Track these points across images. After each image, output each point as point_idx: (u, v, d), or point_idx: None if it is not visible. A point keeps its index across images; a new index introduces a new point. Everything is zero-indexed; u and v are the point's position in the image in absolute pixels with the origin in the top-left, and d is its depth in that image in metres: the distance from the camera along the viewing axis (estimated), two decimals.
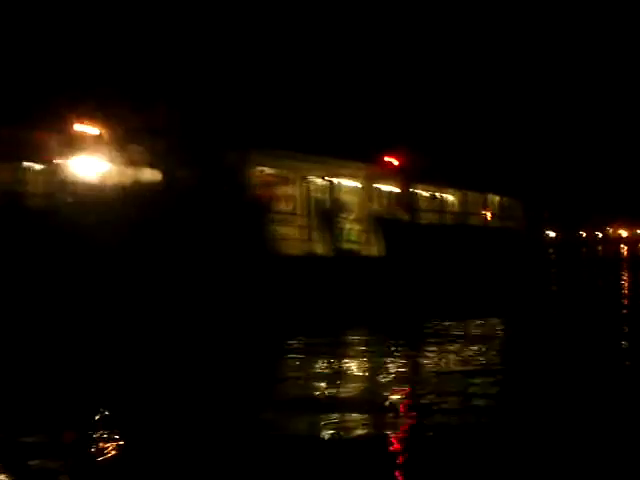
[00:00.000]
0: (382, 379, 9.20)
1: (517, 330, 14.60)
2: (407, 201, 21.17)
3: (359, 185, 19.97)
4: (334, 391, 8.35)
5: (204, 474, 5.51)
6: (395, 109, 21.19)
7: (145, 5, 15.58)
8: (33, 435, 6.40)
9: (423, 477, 5.43)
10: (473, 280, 20.94)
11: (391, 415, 7.17)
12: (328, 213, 18.48)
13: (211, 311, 12.92)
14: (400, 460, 5.74)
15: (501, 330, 14.67)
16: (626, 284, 27.39)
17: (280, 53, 18.50)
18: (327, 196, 19.14)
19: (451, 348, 11.44)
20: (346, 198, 19.79)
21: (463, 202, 24.83)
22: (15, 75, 13.47)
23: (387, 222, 19.69)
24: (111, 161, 14.22)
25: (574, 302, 20.51)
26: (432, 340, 12.34)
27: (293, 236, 17.42)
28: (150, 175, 14.50)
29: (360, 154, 19.06)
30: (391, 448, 6.06)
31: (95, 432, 6.51)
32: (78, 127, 13.82)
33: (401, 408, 7.60)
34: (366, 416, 7.08)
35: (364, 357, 11.00)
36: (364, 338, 12.81)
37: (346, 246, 18.76)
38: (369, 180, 20.04)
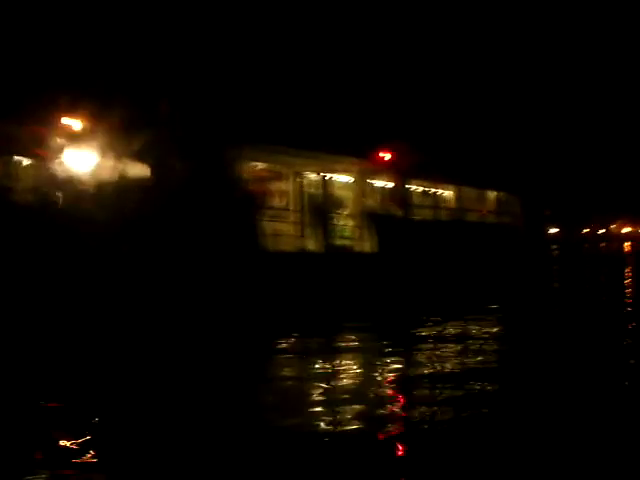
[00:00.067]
0: (375, 377, 9.09)
1: (513, 327, 14.47)
2: (401, 197, 21.04)
3: (352, 180, 19.85)
4: (326, 390, 8.22)
5: (197, 471, 5.47)
6: (389, 104, 21.06)
7: None
8: (31, 435, 6.39)
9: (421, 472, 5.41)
10: (469, 277, 20.86)
11: (385, 412, 7.12)
12: (321, 209, 18.37)
13: (202, 308, 12.83)
14: (396, 455, 5.74)
15: (497, 328, 14.45)
16: (629, 281, 27.21)
17: (273, 48, 18.39)
18: (320, 192, 19.03)
19: (446, 346, 11.30)
20: (339, 194, 19.69)
21: (458, 198, 24.71)
22: (2, 69, 13.37)
23: (380, 218, 19.59)
24: (100, 156, 14.10)
25: (576, 299, 20.34)
26: (426, 338, 12.21)
27: (285, 232, 17.33)
28: (140, 170, 14.40)
29: (354, 149, 18.95)
30: (386, 445, 6.01)
31: (83, 431, 6.45)
32: (66, 121, 13.71)
33: (394, 406, 7.53)
34: (358, 414, 6.99)
35: (356, 356, 10.89)
36: (356, 336, 12.69)
37: (339, 242, 18.67)
38: (363, 175, 19.93)
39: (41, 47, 13.88)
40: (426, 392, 8.08)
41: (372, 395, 7.96)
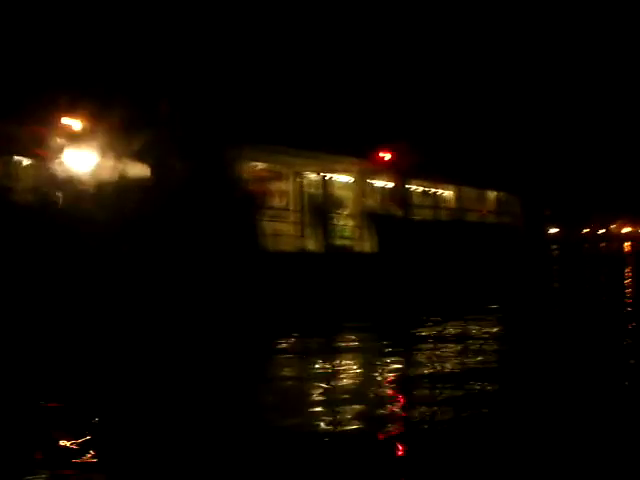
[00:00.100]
0: (375, 377, 9.08)
1: (513, 327, 14.44)
2: (401, 197, 21.02)
3: (352, 180, 19.84)
4: (326, 390, 8.21)
5: (197, 471, 5.47)
6: (389, 104, 21.04)
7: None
8: (31, 435, 6.39)
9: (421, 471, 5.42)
10: (469, 277, 20.85)
11: (385, 412, 7.12)
12: (321, 209, 18.35)
13: (202, 308, 12.82)
14: (396, 455, 5.75)
15: (497, 328, 14.41)
16: (629, 281, 27.17)
17: (273, 49, 18.37)
18: (320, 192, 19.01)
19: (446, 346, 11.28)
20: (339, 194, 19.68)
21: (458, 198, 24.70)
22: (2, 69, 13.36)
23: (380, 218, 19.57)
24: (100, 156, 14.10)
25: (576, 299, 20.29)
26: (426, 338, 12.19)
27: (286, 232, 17.32)
28: (140, 170, 14.39)
29: (354, 149, 18.93)
30: (386, 445, 6.01)
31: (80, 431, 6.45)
32: (66, 120, 13.70)
33: (394, 406, 7.53)
34: (358, 414, 6.99)
35: (356, 356, 10.88)
36: (356, 336, 12.68)
37: (339, 242, 18.65)
38: (363, 175, 19.91)
39: (41, 47, 13.87)
40: (426, 392, 8.07)
41: (372, 395, 7.95)
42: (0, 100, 13.00)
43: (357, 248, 18.90)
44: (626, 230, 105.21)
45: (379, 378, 9.06)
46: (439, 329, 13.26)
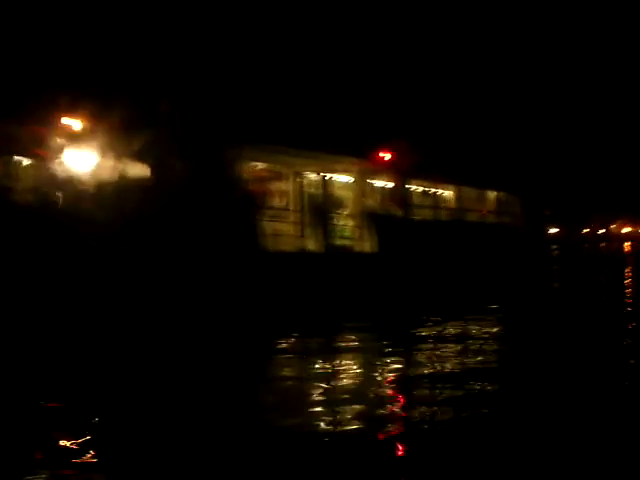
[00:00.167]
0: (375, 377, 9.07)
1: (513, 327, 14.41)
2: (401, 197, 21.00)
3: (352, 180, 19.82)
4: (326, 390, 8.20)
5: (196, 471, 5.47)
6: (389, 104, 21.03)
7: None
8: (31, 435, 6.40)
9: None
10: (469, 277, 20.84)
11: (385, 412, 7.12)
12: (321, 209, 18.33)
13: (202, 307, 12.81)
14: (396, 455, 5.74)
15: (497, 328, 14.37)
16: (629, 281, 27.12)
17: (273, 49, 18.36)
18: (320, 192, 19.00)
19: (446, 346, 11.26)
20: (339, 194, 19.67)
21: (458, 198, 24.68)
22: (2, 69, 13.35)
23: (380, 218, 19.56)
24: (100, 156, 14.09)
25: (576, 299, 20.25)
26: (426, 338, 12.17)
27: (286, 232, 17.30)
28: (140, 170, 14.38)
29: (354, 149, 18.91)
30: (386, 445, 6.02)
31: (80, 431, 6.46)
32: (66, 120, 13.69)
33: (394, 406, 7.52)
34: (358, 414, 6.99)
35: (356, 356, 10.87)
36: (356, 336, 12.68)
37: (339, 242, 18.64)
38: (363, 175, 19.90)
39: (41, 47, 13.87)
40: (426, 392, 8.05)
41: (372, 395, 7.94)
42: (0, 100, 13.00)
43: (357, 248, 18.88)
44: (626, 230, 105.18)
45: (379, 378, 9.05)
46: (439, 329, 13.24)
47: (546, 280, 29.22)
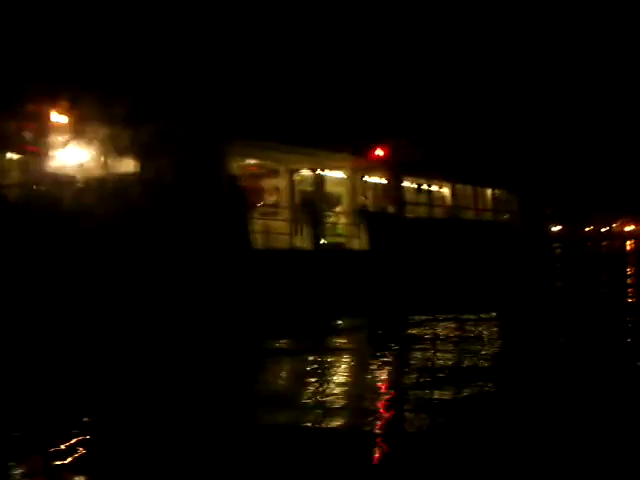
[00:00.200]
0: (366, 377, 9.07)
1: (507, 326, 14.22)
2: (395, 194, 20.90)
3: (346, 177, 19.73)
4: (316, 390, 8.14)
5: (192, 470, 5.47)
6: (384, 100, 20.94)
7: None
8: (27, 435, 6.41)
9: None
10: (463, 275, 20.74)
11: (377, 413, 7.10)
12: (314, 206, 18.23)
13: (193, 306, 12.75)
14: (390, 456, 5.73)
15: (491, 326, 14.09)
16: (631, 280, 26.90)
17: (267, 44, 18.31)
18: (313, 188, 18.93)
19: (438, 346, 11.15)
20: (333, 190, 19.59)
21: (454, 195, 24.56)
22: None
23: (372, 215, 19.47)
24: (90, 152, 14.09)
25: (578, 298, 20.00)
26: (419, 338, 12.03)
27: (278, 229, 17.22)
28: (130, 166, 14.34)
29: (347, 146, 18.78)
30: (381, 446, 5.99)
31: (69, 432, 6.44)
32: (56, 117, 13.67)
33: (386, 406, 7.46)
34: (349, 415, 6.99)
35: (347, 356, 10.81)
36: (347, 335, 12.67)
37: (330, 239, 18.57)
38: (356, 172, 19.79)
39: (32, 43, 13.84)
40: (418, 392, 7.91)
41: (363, 395, 7.87)
42: None
43: (349, 245, 18.81)
44: (629, 228, 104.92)
45: (370, 377, 9.04)
46: (432, 328, 13.09)
47: (547, 278, 29.03)
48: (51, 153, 13.69)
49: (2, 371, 9.15)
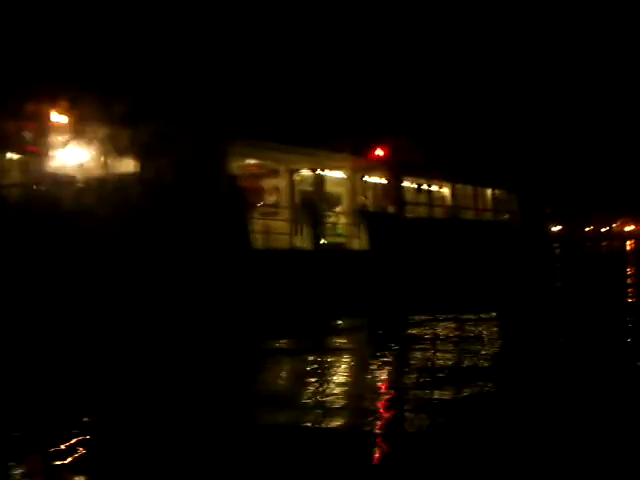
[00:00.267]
0: (367, 377, 9.04)
1: (507, 327, 14.16)
2: (395, 194, 20.91)
3: (346, 177, 19.73)
4: (316, 390, 8.12)
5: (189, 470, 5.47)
6: (384, 100, 20.94)
7: None
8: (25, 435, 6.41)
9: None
10: (463, 275, 20.74)
11: (377, 413, 7.09)
12: (314, 206, 18.23)
13: (193, 306, 12.73)
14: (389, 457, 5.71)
15: (491, 327, 14.01)
16: (631, 280, 26.83)
17: (268, 44, 18.31)
18: (313, 188, 18.93)
19: (437, 346, 11.12)
20: (333, 190, 19.59)
21: (454, 195, 24.56)
22: None
23: (372, 215, 19.48)
24: (89, 152, 14.08)
25: (577, 298, 19.92)
26: (419, 338, 12.00)
27: (277, 229, 17.22)
28: (128, 166, 14.34)
29: (348, 146, 18.78)
30: (380, 447, 5.98)
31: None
32: (56, 116, 13.66)
33: (386, 406, 7.44)
34: (348, 415, 6.97)
35: (347, 356, 10.79)
36: (347, 335, 12.65)
37: (330, 239, 18.57)
38: (356, 172, 19.80)
39: (33, 42, 13.83)
40: (418, 392, 7.89)
41: (363, 395, 7.85)
42: None
43: (349, 245, 18.81)
44: (629, 228, 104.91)
45: (370, 377, 9.02)
46: (431, 328, 13.07)
47: (547, 278, 28.99)
48: (51, 153, 13.68)
49: (2, 371, 9.15)
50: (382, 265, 18.08)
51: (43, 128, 13.46)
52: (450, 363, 9.69)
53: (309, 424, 6.63)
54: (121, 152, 14.11)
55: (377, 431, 6.42)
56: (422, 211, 22.47)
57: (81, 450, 5.98)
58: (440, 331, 12.86)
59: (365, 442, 6.00)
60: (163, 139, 14.46)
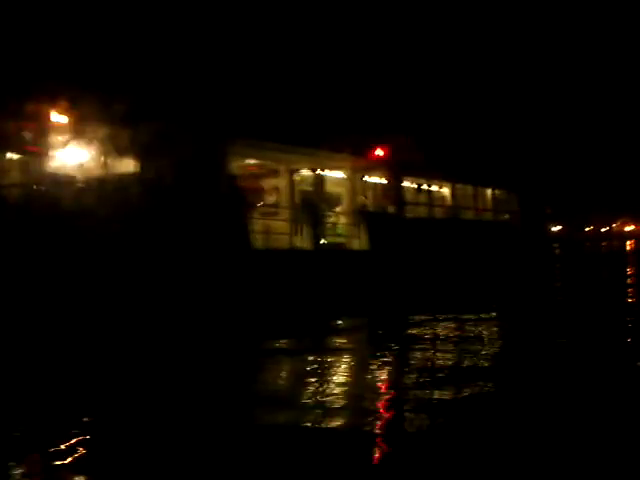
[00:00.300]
0: (366, 377, 9.02)
1: (506, 327, 14.11)
2: (395, 194, 20.89)
3: (346, 177, 19.72)
4: (316, 390, 8.11)
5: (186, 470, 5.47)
6: (384, 100, 20.94)
7: None
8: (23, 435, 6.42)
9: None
10: (463, 275, 20.72)
11: (377, 413, 7.09)
12: (314, 206, 18.22)
13: (192, 306, 12.73)
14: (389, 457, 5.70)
15: (491, 327, 13.95)
16: (631, 280, 26.77)
17: (267, 43, 18.31)
18: (313, 188, 18.91)
19: (437, 347, 11.09)
20: (333, 190, 19.57)
21: (454, 195, 24.54)
22: None
23: (372, 215, 19.46)
24: (89, 152, 14.07)
25: (577, 298, 19.86)
26: (418, 338, 11.97)
27: (277, 229, 17.20)
28: (128, 166, 14.33)
29: (348, 146, 18.79)
30: (380, 447, 5.98)
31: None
32: (56, 116, 13.65)
33: (386, 406, 7.44)
34: (348, 415, 6.97)
35: (347, 356, 10.76)
36: (347, 336, 12.62)
37: (331, 239, 18.56)
38: (356, 172, 19.77)
39: (33, 43, 13.83)
40: (418, 392, 7.88)
41: (363, 395, 7.84)
42: None
43: (349, 245, 18.80)
44: (629, 228, 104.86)
45: (370, 377, 9.01)
46: (431, 328, 13.05)
47: (547, 279, 28.95)
48: (51, 153, 13.67)
49: (2, 371, 9.15)
50: (382, 265, 18.06)
51: (43, 128, 13.45)
52: (450, 363, 9.67)
53: (309, 424, 6.63)
54: (121, 152, 14.09)
55: (377, 431, 6.42)
56: (422, 211, 22.44)
57: (81, 450, 5.98)
58: (440, 331, 12.84)
59: (365, 442, 6.00)
60: (163, 139, 14.44)
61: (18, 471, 5.51)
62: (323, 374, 9.17)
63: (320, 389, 8.14)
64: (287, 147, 17.18)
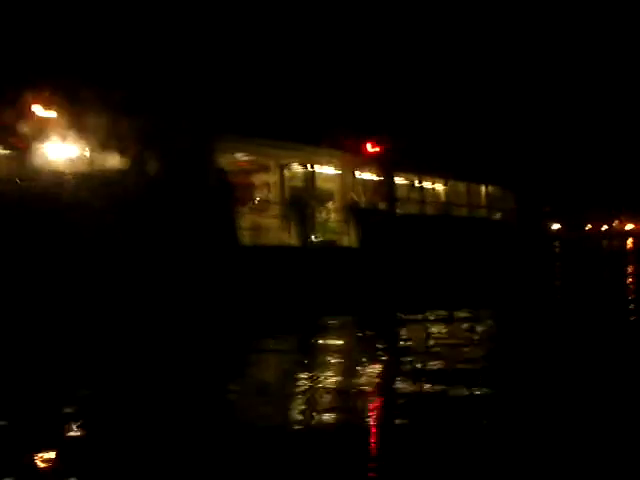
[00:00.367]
0: (356, 375, 8.91)
1: (500, 326, 13.89)
2: (386, 190, 20.81)
3: (337, 173, 19.64)
4: (306, 389, 8.02)
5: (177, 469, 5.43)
6: (376, 95, 20.85)
7: None
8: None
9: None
10: (456, 273, 20.63)
11: (367, 411, 7.07)
12: (304, 202, 18.15)
13: (177, 304, 12.67)
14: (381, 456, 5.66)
15: (483, 326, 13.71)
16: (631, 279, 26.65)
17: (258, 39, 18.25)
18: (304, 185, 18.84)
19: (428, 345, 11.05)
20: (324, 187, 19.49)
21: (447, 192, 24.48)
22: None
23: (362, 212, 19.38)
24: (76, 146, 14.05)
25: (577, 297, 19.70)
26: (408, 337, 11.95)
27: (267, 225, 17.15)
28: (114, 160, 14.28)
29: (339, 141, 18.72)
30: (372, 446, 5.96)
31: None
32: (42, 111, 13.63)
33: (376, 406, 7.40)
34: (338, 414, 6.83)
35: (336, 356, 10.55)
36: (336, 334, 12.57)
37: (320, 236, 18.48)
38: (348, 168, 19.68)
39: (20, 37, 13.80)
40: (412, 390, 7.80)
41: (355, 394, 7.75)
42: None
43: (340, 242, 18.73)
44: (629, 227, 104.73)
45: (361, 375, 8.90)
46: (424, 326, 12.98)
47: (546, 277, 28.83)
48: (39, 148, 13.66)
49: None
50: (373, 262, 17.98)
51: (31, 123, 13.44)
52: (445, 362, 9.48)
53: (300, 424, 6.55)
54: (109, 146, 14.06)
55: (370, 430, 6.36)
56: (414, 208, 22.35)
57: (71, 448, 5.95)
58: (433, 329, 12.76)
59: (358, 442, 5.92)
60: (152, 134, 14.42)
61: (16, 468, 5.43)
62: (313, 373, 9.03)
63: (310, 388, 8.02)
64: (277, 142, 17.11)
